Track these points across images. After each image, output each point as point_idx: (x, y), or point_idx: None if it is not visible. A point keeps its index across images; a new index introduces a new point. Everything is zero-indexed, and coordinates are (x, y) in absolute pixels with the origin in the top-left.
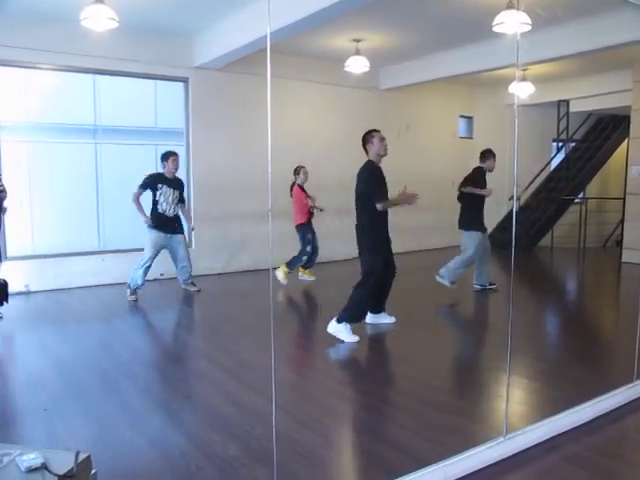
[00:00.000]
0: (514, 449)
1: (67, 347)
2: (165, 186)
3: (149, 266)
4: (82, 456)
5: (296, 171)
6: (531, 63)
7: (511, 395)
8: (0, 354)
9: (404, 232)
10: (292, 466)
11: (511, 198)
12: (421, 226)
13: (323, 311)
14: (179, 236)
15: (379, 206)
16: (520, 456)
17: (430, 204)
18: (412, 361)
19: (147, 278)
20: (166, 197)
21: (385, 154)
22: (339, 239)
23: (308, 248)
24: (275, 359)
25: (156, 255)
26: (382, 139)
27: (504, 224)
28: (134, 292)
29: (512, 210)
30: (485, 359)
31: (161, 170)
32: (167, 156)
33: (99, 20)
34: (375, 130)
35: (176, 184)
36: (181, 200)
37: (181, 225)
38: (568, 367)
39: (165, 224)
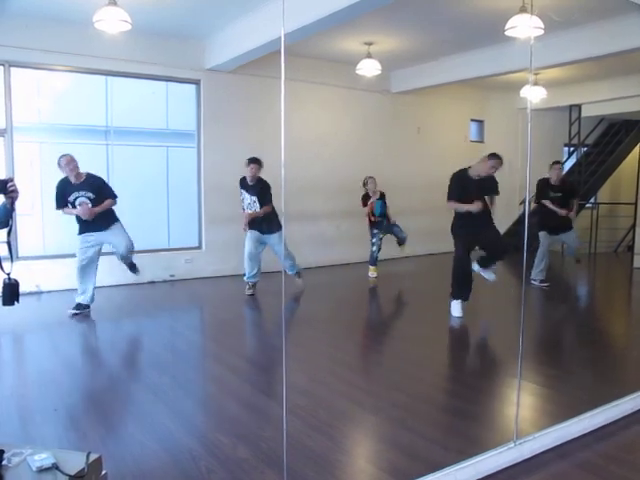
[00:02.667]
0: (524, 455)
1: (77, 347)
2: (244, 191)
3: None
4: (93, 457)
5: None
6: (544, 67)
7: (521, 400)
8: (11, 354)
9: (415, 236)
10: (302, 470)
11: (522, 202)
12: (431, 230)
13: (335, 314)
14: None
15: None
16: (530, 462)
17: (441, 208)
18: (423, 364)
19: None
20: (245, 201)
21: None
22: (353, 242)
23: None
24: (287, 361)
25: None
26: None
27: (515, 228)
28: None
29: (523, 214)
30: (496, 363)
31: None
32: (248, 163)
33: (112, 22)
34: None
35: (253, 190)
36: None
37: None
38: (579, 373)
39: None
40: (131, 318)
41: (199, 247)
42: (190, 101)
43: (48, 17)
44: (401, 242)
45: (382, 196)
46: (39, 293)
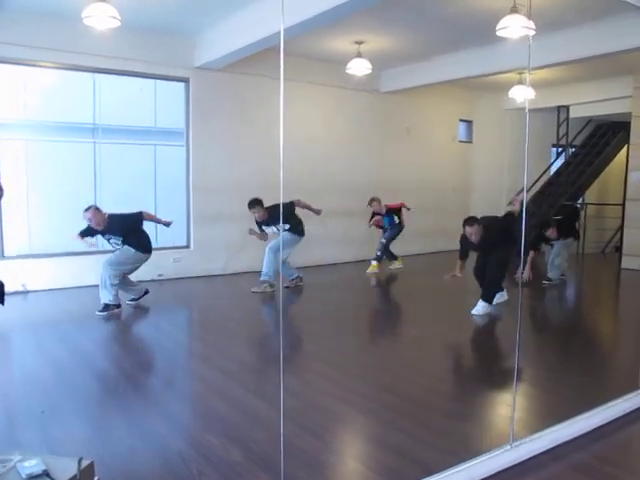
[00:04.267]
0: (520, 457)
1: (64, 348)
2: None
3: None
4: (85, 463)
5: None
6: (535, 68)
7: (516, 402)
8: None
9: (404, 236)
10: (294, 472)
11: (510, 203)
12: (421, 230)
13: (324, 315)
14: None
15: None
16: (526, 464)
17: (430, 208)
18: (417, 366)
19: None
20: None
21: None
22: (340, 242)
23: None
24: (276, 362)
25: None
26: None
27: None
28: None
29: (512, 215)
30: (491, 366)
31: None
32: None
33: (101, 18)
34: None
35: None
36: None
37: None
38: (573, 374)
39: None
40: (118, 318)
41: (187, 246)
42: (179, 99)
43: (36, 12)
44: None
45: (389, 211)
46: (25, 293)
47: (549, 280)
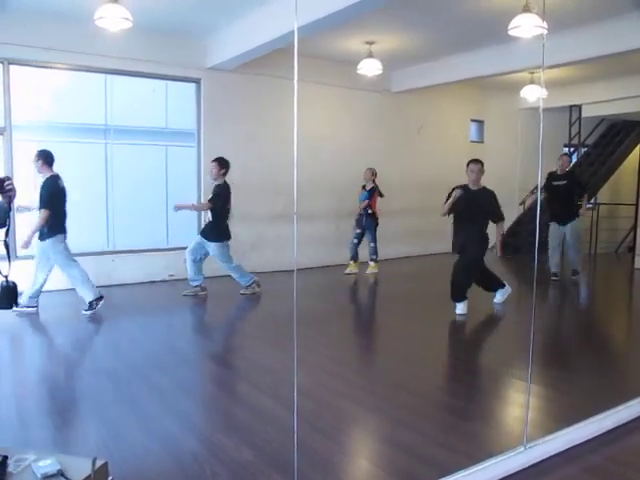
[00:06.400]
0: (534, 459)
1: (76, 348)
2: None
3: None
4: (99, 463)
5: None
6: (549, 67)
7: (530, 403)
8: (8, 354)
9: (414, 236)
10: (308, 473)
11: (522, 203)
12: (431, 230)
13: (334, 314)
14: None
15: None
16: (540, 466)
17: (439, 208)
18: (430, 366)
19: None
20: None
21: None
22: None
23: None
24: (289, 363)
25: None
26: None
27: (516, 229)
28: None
29: (523, 215)
30: (503, 366)
31: None
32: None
33: (113, 20)
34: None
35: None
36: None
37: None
38: (586, 376)
39: None
40: (131, 318)
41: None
42: (190, 100)
43: (48, 14)
44: (371, 257)
45: (371, 189)
46: None
47: (576, 273)
